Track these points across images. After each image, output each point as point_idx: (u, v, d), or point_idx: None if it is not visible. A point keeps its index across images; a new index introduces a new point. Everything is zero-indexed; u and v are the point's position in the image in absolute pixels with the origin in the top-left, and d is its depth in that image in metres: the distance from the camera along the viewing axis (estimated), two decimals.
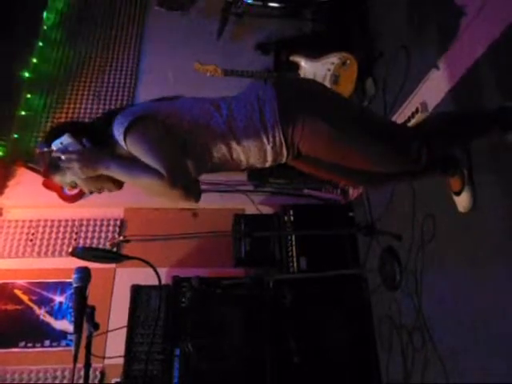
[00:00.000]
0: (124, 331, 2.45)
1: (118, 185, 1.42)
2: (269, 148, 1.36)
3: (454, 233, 2.00)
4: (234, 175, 3.08)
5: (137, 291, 2.59)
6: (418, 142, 1.42)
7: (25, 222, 3.12)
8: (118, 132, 1.30)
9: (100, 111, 3.48)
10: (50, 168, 1.38)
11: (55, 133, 1.37)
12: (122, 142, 1.30)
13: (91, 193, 1.42)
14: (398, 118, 2.53)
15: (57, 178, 1.39)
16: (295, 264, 2.80)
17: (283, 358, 2.42)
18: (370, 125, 1.44)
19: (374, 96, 2.86)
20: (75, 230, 3.14)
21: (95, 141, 1.35)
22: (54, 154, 1.33)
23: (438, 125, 1.57)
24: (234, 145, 1.35)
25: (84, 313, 1.25)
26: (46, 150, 1.36)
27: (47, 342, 2.81)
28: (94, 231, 3.15)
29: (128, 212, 3.22)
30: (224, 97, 1.42)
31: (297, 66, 2.78)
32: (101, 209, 3.19)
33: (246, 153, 1.37)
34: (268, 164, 1.44)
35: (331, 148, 1.38)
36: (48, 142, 1.36)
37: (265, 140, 1.34)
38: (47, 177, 1.41)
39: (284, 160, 1.44)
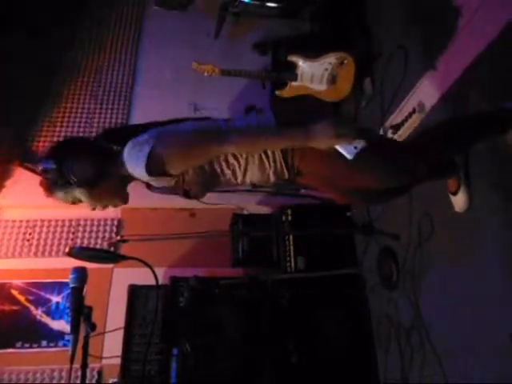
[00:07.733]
0: (121, 331, 2.44)
1: (125, 199, 1.44)
2: (271, 171, 1.42)
3: (451, 232, 2.01)
4: None
5: (134, 291, 2.58)
6: (416, 158, 1.44)
7: (22, 221, 3.10)
8: (139, 174, 1.29)
9: (97, 111, 3.47)
10: (53, 185, 1.32)
11: (61, 151, 1.33)
12: (144, 178, 1.31)
13: (94, 209, 1.41)
14: (396, 117, 2.53)
15: (59, 195, 1.34)
16: (293, 264, 2.79)
17: (281, 358, 2.43)
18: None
19: (371, 96, 2.87)
20: (72, 229, 3.13)
21: (101, 160, 1.33)
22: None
23: (435, 139, 1.54)
24: (237, 170, 1.40)
25: (81, 313, 1.24)
26: (50, 167, 1.29)
27: (44, 343, 2.79)
28: (91, 231, 3.14)
29: (125, 212, 3.21)
30: (225, 119, 1.43)
31: (294, 66, 2.78)
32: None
33: (249, 175, 1.43)
34: (271, 182, 1.49)
35: (329, 165, 1.41)
36: (53, 158, 1.30)
37: (266, 164, 1.40)
38: (48, 193, 1.35)
39: (286, 178, 1.48)
